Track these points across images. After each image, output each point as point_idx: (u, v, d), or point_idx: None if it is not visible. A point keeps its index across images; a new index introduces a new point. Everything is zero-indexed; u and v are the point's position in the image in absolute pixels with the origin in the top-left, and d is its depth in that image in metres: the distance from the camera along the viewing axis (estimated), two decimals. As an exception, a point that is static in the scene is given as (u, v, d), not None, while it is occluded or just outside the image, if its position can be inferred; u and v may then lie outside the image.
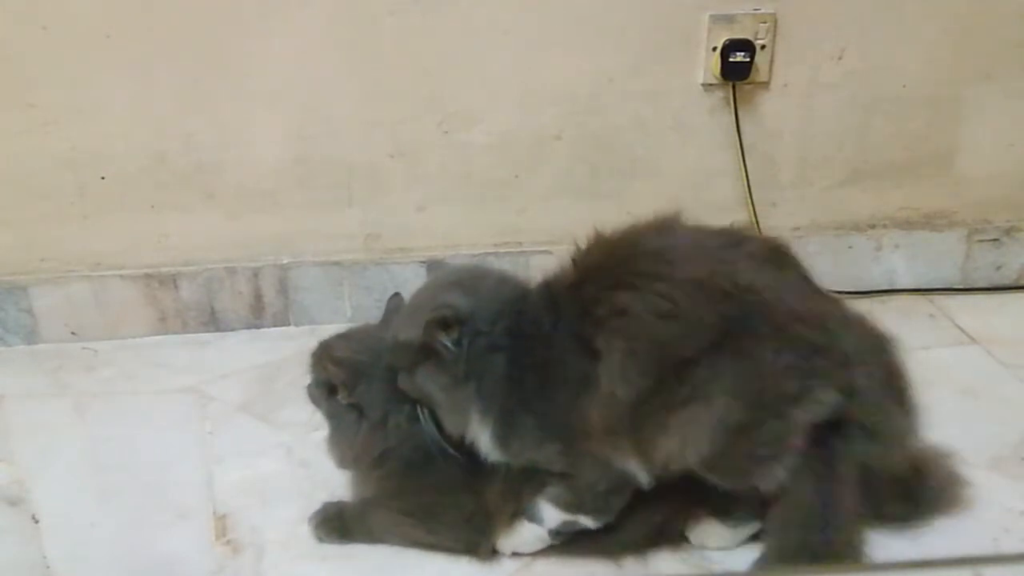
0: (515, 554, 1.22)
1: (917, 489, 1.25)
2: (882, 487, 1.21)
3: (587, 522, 1.19)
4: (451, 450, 1.20)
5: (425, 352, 1.15)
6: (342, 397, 1.23)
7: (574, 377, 1.11)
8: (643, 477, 1.15)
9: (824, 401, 1.11)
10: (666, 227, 1.18)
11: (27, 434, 1.49)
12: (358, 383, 1.22)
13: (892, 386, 1.20)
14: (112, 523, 1.31)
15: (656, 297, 1.08)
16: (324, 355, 1.25)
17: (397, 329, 1.20)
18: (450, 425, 1.18)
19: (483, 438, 1.16)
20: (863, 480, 1.18)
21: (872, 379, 1.16)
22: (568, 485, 1.18)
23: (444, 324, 1.13)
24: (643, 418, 1.10)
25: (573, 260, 1.17)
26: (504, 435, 1.15)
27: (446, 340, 1.13)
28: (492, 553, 1.22)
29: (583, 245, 1.17)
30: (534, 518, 1.20)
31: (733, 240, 1.17)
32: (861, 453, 1.16)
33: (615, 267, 1.13)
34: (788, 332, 1.09)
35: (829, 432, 1.14)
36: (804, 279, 1.18)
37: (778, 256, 1.17)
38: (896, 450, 1.20)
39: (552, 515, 1.19)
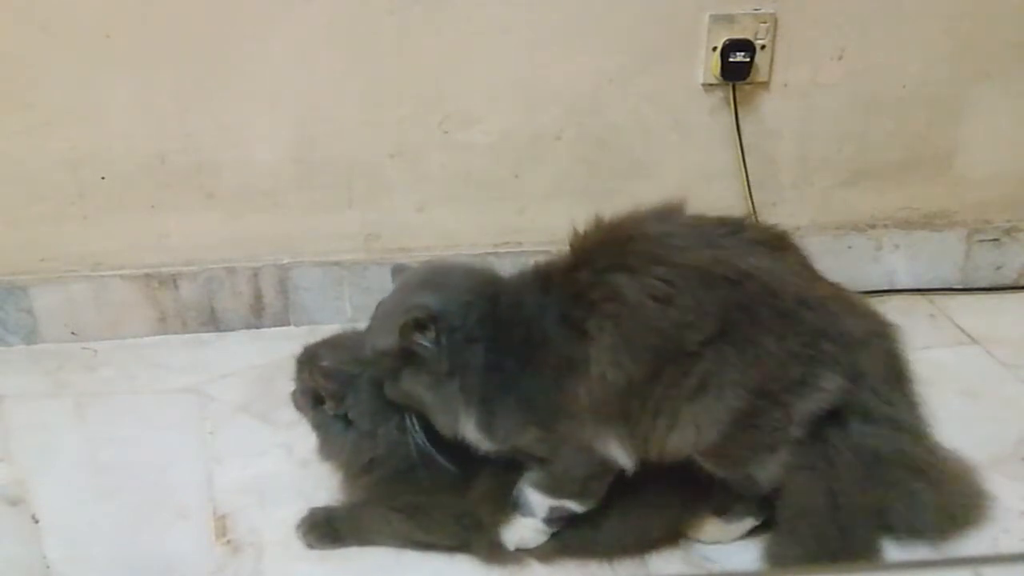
0: (519, 550, 1.22)
1: (935, 493, 1.22)
2: (897, 483, 1.19)
3: (573, 506, 1.19)
4: (440, 459, 1.20)
5: (405, 356, 1.15)
6: (329, 408, 1.23)
7: (560, 359, 1.10)
8: (626, 462, 1.15)
9: (828, 389, 1.11)
10: (667, 214, 1.17)
11: (27, 434, 1.49)
12: (346, 394, 1.22)
13: (894, 372, 1.20)
14: (112, 523, 1.31)
15: (654, 280, 1.07)
16: (311, 364, 1.24)
17: (373, 339, 1.20)
18: (442, 425, 1.18)
19: (469, 428, 1.16)
20: (876, 472, 1.17)
21: (875, 363, 1.16)
22: (548, 470, 1.18)
23: (419, 325, 1.13)
24: (635, 405, 1.09)
25: (571, 244, 1.16)
26: (488, 421, 1.14)
27: (424, 340, 1.13)
28: (489, 550, 1.22)
29: (582, 230, 1.16)
30: (524, 511, 1.20)
31: (734, 227, 1.16)
32: (860, 437, 1.16)
33: (612, 250, 1.12)
34: (792, 317, 1.09)
35: (829, 423, 1.14)
36: (805, 264, 1.18)
37: (779, 242, 1.18)
38: (900, 434, 1.19)
39: (538, 501, 1.19)
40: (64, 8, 1.55)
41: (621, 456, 1.14)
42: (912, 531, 1.21)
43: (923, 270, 1.86)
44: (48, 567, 1.24)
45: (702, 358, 1.07)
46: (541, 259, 1.20)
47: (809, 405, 1.12)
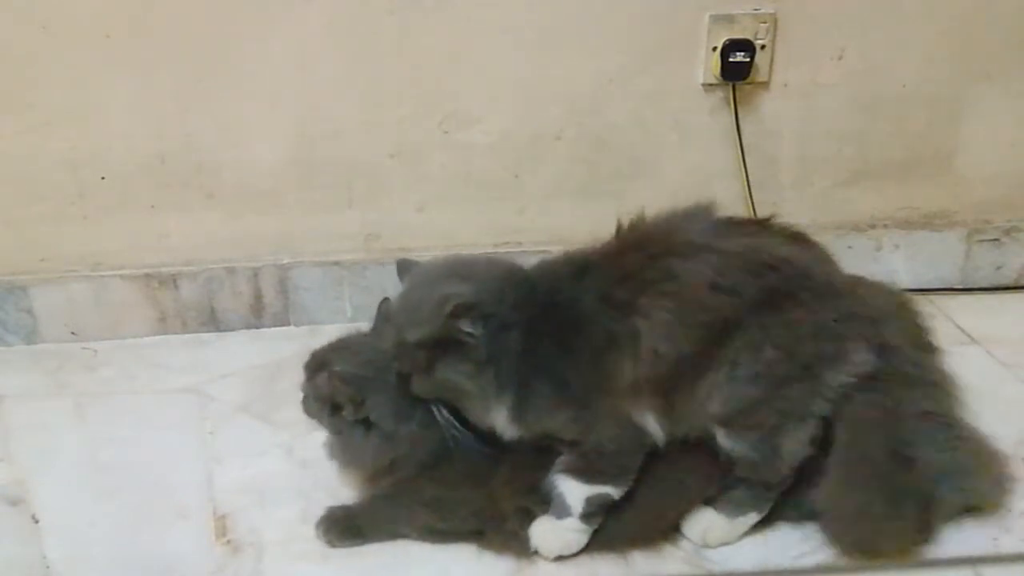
0: (560, 558, 1.21)
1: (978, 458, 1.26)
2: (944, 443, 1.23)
3: (610, 490, 1.19)
4: (477, 444, 1.20)
5: (443, 346, 1.15)
6: (348, 414, 1.22)
7: (601, 337, 1.14)
8: (659, 435, 1.18)
9: (857, 362, 1.17)
10: (702, 212, 1.24)
11: (27, 434, 1.49)
12: (366, 398, 1.21)
13: (921, 342, 1.28)
14: (112, 523, 1.31)
15: (703, 266, 1.14)
16: (323, 371, 1.23)
17: (401, 333, 1.19)
18: (476, 413, 1.19)
19: (500, 417, 1.17)
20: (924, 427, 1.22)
21: (903, 335, 1.25)
22: (581, 452, 1.18)
23: (461, 312, 1.14)
24: (680, 375, 1.14)
25: (617, 233, 1.22)
26: (521, 407, 1.16)
27: (467, 327, 1.14)
28: (504, 542, 1.22)
29: (626, 224, 1.23)
30: (559, 511, 1.19)
31: (762, 224, 1.26)
32: (908, 403, 1.22)
33: (660, 239, 1.18)
34: (825, 297, 1.16)
35: (869, 388, 1.19)
36: (827, 257, 1.26)
37: (802, 238, 1.25)
38: (943, 395, 1.26)
39: (574, 492, 1.18)
40: (64, 8, 1.55)
41: (655, 429, 1.17)
42: (959, 490, 1.24)
43: (923, 270, 1.86)
44: (48, 567, 1.24)
45: (743, 327, 1.13)
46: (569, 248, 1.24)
47: (839, 377, 1.17)
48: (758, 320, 1.13)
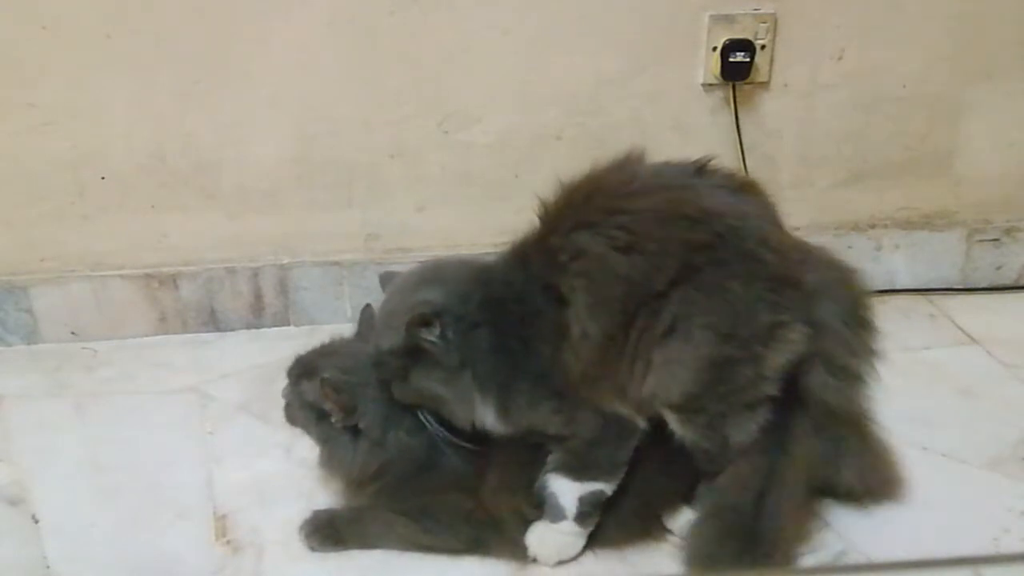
0: (561, 563, 1.20)
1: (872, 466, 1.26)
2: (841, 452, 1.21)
3: (602, 486, 1.18)
4: (464, 444, 1.20)
5: (413, 354, 1.15)
6: (337, 421, 1.21)
7: (550, 327, 1.12)
8: (639, 420, 1.15)
9: (795, 339, 1.11)
10: (627, 164, 1.17)
11: (27, 434, 1.49)
12: (356, 405, 1.21)
13: (856, 318, 1.19)
14: (112, 523, 1.31)
15: (615, 231, 1.08)
16: (312, 377, 1.22)
17: (378, 340, 1.20)
18: (459, 416, 1.18)
19: (488, 416, 1.16)
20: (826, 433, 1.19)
21: (836, 312, 1.16)
22: (568, 448, 1.17)
23: (424, 321, 1.13)
24: (616, 357, 1.10)
25: (538, 214, 1.17)
26: (505, 405, 1.15)
27: (430, 336, 1.13)
28: (511, 549, 1.21)
29: (548, 198, 1.17)
30: (554, 515, 1.19)
31: (697, 170, 1.16)
32: (820, 390, 1.16)
33: (573, 210, 1.13)
34: (755, 258, 1.09)
35: (790, 397, 1.14)
36: (769, 210, 1.18)
37: (744, 186, 1.18)
38: (855, 387, 1.19)
39: (567, 493, 1.17)
40: (64, 8, 1.55)
41: (630, 413, 1.15)
42: (849, 489, 1.24)
43: (923, 270, 1.86)
44: (48, 567, 1.24)
45: (670, 300, 1.08)
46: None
47: (779, 358, 1.11)
48: (685, 293, 1.07)
